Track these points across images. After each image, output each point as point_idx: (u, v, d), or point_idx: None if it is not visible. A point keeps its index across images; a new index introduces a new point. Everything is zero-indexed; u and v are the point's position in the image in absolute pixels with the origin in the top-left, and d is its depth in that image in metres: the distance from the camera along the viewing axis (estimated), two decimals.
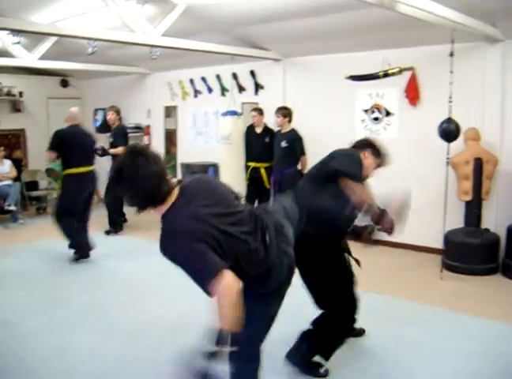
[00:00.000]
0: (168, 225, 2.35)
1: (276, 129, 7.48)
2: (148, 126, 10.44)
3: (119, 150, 7.37)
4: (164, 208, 2.35)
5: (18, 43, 7.04)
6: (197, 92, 9.57)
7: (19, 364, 3.86)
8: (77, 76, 11.34)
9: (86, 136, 6.75)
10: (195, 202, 2.36)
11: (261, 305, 2.67)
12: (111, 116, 8.28)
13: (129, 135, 9.73)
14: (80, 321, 4.66)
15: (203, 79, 9.37)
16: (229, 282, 2.15)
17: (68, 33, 5.62)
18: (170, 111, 10.13)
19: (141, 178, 2.25)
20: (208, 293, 2.21)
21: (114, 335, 4.36)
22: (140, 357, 3.96)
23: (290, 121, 7.14)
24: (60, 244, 6.70)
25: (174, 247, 2.29)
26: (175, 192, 2.38)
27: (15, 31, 6.30)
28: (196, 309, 4.82)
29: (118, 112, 8.35)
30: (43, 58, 8.06)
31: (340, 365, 3.68)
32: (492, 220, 6.25)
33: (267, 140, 7.56)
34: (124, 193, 2.35)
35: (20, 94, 10.59)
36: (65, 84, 11.41)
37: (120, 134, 8.21)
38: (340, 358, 3.67)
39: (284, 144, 7.11)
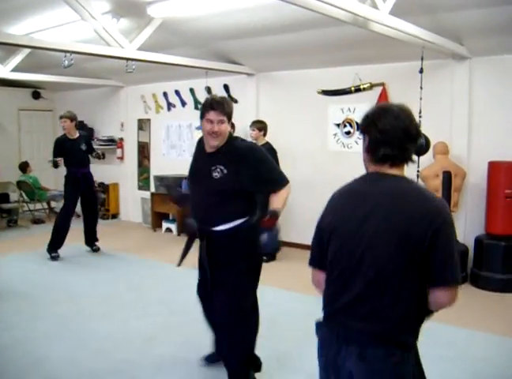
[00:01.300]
0: None
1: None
2: (121, 139, 10.44)
3: None
4: None
5: None
6: (170, 106, 9.62)
7: None
8: (49, 89, 11.28)
9: None
10: None
11: None
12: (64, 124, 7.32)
13: (103, 147, 9.78)
14: (58, 334, 4.64)
15: (177, 92, 9.44)
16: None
17: (44, 45, 5.63)
18: (143, 124, 10.15)
19: None
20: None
21: (92, 347, 4.36)
22: (118, 369, 3.98)
23: (265, 134, 7.24)
24: (33, 256, 6.69)
25: None
26: None
27: None
28: (171, 322, 4.89)
29: (72, 118, 7.32)
30: (15, 69, 8.03)
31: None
32: (461, 232, 6.41)
33: None
34: None
35: None
36: (37, 96, 11.33)
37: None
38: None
39: None
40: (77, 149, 7.25)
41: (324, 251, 2.11)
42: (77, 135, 7.36)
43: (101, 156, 7.67)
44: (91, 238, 7.64)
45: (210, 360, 3.97)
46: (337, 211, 2.13)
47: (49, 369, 3.95)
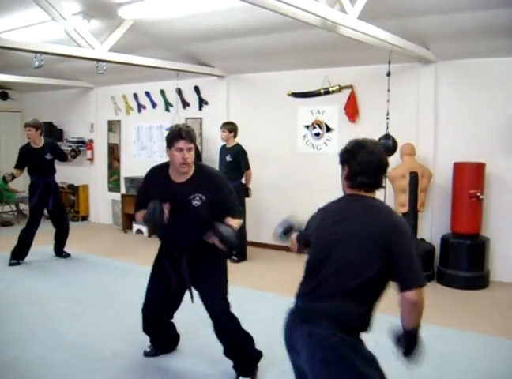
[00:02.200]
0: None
1: (221, 143, 7.59)
2: (91, 141, 10.37)
3: None
4: None
5: None
6: (141, 107, 9.61)
7: None
8: (17, 89, 11.13)
9: None
10: None
11: None
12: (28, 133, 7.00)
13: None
14: (30, 335, 4.61)
15: (147, 94, 9.44)
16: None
17: (13, 46, 5.58)
18: (113, 126, 10.11)
19: None
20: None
21: (66, 347, 4.35)
22: (93, 368, 3.99)
23: (235, 136, 7.30)
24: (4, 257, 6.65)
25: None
26: None
27: None
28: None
29: (37, 127, 7.00)
30: None
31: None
32: (427, 231, 6.58)
33: None
34: None
35: None
36: (4, 96, 11.18)
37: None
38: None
39: (228, 158, 7.24)
40: (41, 159, 6.98)
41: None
42: (42, 143, 7.06)
43: (78, 151, 7.51)
44: (60, 250, 7.48)
45: (152, 354, 4.21)
46: (317, 220, 2.63)
47: (22, 371, 3.93)
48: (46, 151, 7.03)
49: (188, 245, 3.62)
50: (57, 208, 7.20)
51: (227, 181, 3.78)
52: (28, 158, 6.99)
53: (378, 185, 2.52)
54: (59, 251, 7.45)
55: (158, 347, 4.24)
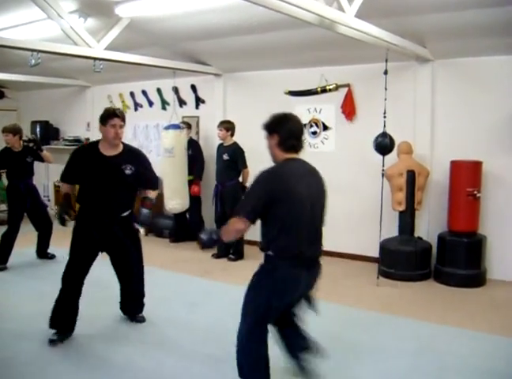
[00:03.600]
0: None
1: (218, 142, 7.59)
2: (87, 139, 10.29)
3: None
4: None
5: None
6: (137, 106, 9.60)
7: None
8: (13, 88, 11.10)
9: None
10: None
11: None
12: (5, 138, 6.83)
13: (68, 147, 9.68)
14: (29, 332, 4.61)
15: (144, 92, 9.43)
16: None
17: (9, 44, 5.55)
18: None
19: None
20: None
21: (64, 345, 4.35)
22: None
23: (232, 134, 7.29)
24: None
25: None
26: None
27: None
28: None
29: (15, 132, 6.82)
30: None
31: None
32: (424, 229, 6.59)
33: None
34: None
35: None
36: (0, 95, 11.15)
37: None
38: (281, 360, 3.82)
39: (225, 156, 7.24)
40: (22, 161, 6.86)
41: (260, 211, 3.10)
42: (22, 147, 6.88)
43: (34, 140, 7.06)
44: (44, 252, 7.29)
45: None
46: (285, 182, 3.07)
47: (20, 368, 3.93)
48: (26, 154, 6.89)
49: (118, 208, 4.37)
50: (37, 208, 7.06)
51: (147, 158, 4.61)
52: (9, 160, 6.83)
53: (302, 146, 3.21)
54: (43, 253, 7.27)
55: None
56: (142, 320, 4.89)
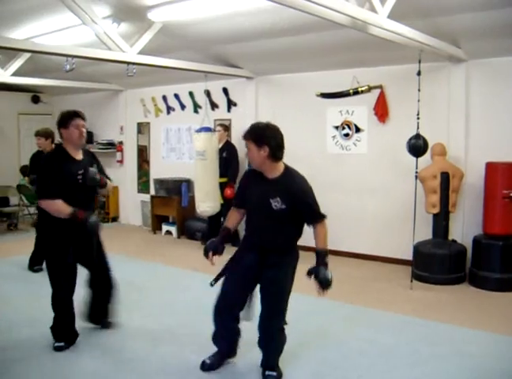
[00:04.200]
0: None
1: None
2: (120, 143, 10.50)
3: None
4: None
5: None
6: (169, 109, 9.69)
7: None
8: (48, 93, 11.34)
9: None
10: None
11: None
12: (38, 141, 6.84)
13: (102, 151, 9.83)
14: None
15: (176, 96, 9.51)
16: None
17: (45, 50, 5.69)
18: (143, 128, 10.21)
19: None
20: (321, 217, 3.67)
21: (97, 346, 4.39)
22: (126, 368, 4.03)
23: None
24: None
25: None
26: None
27: None
28: (175, 322, 4.92)
29: (47, 136, 6.77)
30: (15, 74, 8.07)
31: (317, 371, 3.82)
32: (459, 232, 6.49)
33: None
34: None
35: None
36: (36, 100, 11.40)
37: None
38: (319, 364, 3.81)
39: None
40: None
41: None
42: None
43: None
44: (38, 261, 6.73)
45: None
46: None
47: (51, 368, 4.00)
48: None
49: (88, 205, 4.28)
50: None
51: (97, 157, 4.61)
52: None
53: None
54: (36, 262, 6.76)
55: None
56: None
